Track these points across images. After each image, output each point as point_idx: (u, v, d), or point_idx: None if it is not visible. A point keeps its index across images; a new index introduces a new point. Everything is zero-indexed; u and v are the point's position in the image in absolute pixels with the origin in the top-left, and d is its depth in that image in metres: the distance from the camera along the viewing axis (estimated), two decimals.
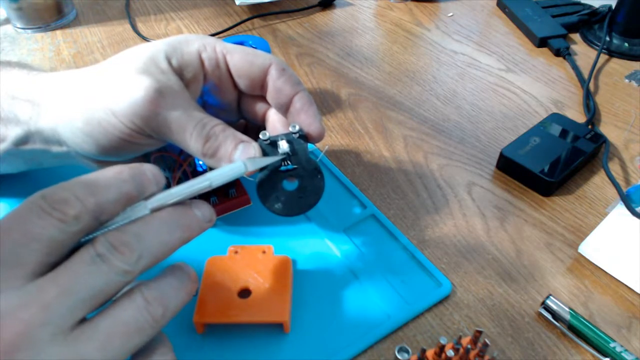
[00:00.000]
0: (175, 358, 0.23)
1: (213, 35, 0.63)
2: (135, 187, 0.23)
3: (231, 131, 0.30)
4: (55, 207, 0.20)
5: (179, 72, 0.31)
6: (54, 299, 0.19)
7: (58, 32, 0.64)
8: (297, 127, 0.31)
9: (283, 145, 0.31)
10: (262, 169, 0.31)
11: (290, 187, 0.31)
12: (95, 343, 0.20)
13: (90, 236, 0.22)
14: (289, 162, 0.31)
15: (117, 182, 0.22)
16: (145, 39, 0.63)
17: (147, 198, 0.23)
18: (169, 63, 0.31)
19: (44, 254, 0.20)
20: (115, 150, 0.30)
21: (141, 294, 0.22)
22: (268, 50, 0.47)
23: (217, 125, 0.30)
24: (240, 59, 0.32)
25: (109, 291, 0.21)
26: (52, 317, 0.19)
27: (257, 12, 0.67)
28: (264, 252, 0.35)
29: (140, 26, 0.65)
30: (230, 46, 0.33)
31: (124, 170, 0.23)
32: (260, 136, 0.31)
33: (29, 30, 0.64)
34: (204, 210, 0.25)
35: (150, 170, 0.24)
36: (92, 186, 0.21)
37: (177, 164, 0.36)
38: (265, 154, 0.31)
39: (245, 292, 0.32)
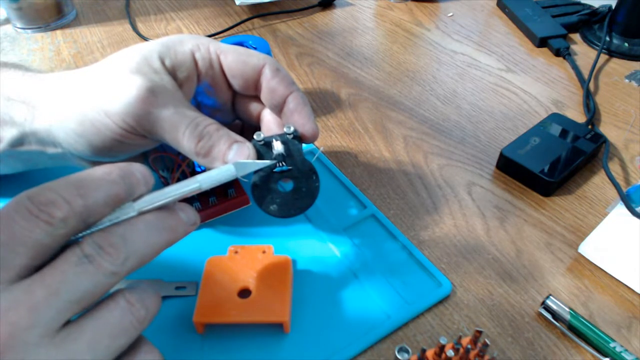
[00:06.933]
0: (161, 355, 0.23)
1: (213, 35, 0.63)
2: (124, 189, 0.22)
3: (225, 131, 0.30)
4: (42, 209, 0.20)
5: (172, 72, 0.31)
6: (42, 300, 0.19)
7: (58, 32, 0.64)
8: (292, 128, 0.31)
9: (277, 146, 0.31)
10: (255, 172, 0.30)
11: (286, 188, 0.31)
12: (83, 344, 0.20)
13: (77, 237, 0.21)
14: (283, 163, 0.31)
15: (106, 183, 0.22)
16: (145, 39, 0.62)
17: (135, 199, 0.23)
18: (162, 63, 0.31)
19: (29, 257, 0.20)
20: (109, 150, 0.30)
21: (124, 297, 0.22)
22: (268, 50, 0.47)
23: (210, 125, 0.29)
24: (234, 59, 0.32)
25: (96, 292, 0.21)
26: (40, 319, 0.19)
27: (257, 12, 0.67)
28: (264, 252, 0.35)
29: (140, 26, 0.65)
30: (224, 46, 0.33)
31: (113, 170, 0.22)
32: (255, 137, 0.31)
33: (29, 30, 0.64)
34: (189, 214, 0.25)
35: (139, 171, 0.23)
36: (80, 187, 0.21)
37: (176, 165, 0.36)
38: (259, 154, 0.30)
39: (245, 292, 0.32)
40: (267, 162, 0.30)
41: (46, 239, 0.20)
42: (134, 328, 0.22)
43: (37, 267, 0.20)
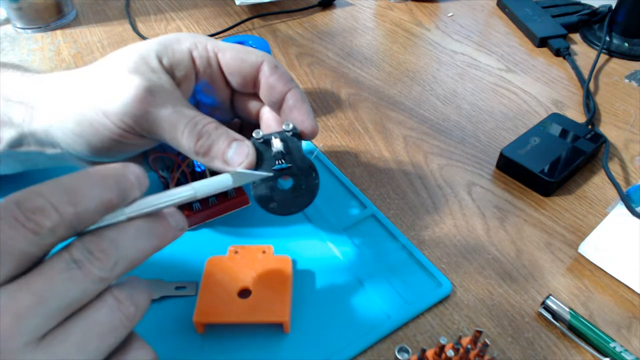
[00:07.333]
0: (154, 352, 0.23)
1: (213, 35, 0.63)
2: (118, 195, 0.21)
3: (224, 129, 0.30)
4: (29, 217, 0.19)
5: (170, 70, 0.31)
6: (28, 308, 0.18)
7: (58, 32, 0.64)
8: (291, 126, 0.31)
9: (276, 144, 0.31)
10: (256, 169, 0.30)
11: (285, 185, 0.31)
12: (71, 346, 0.19)
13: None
14: (283, 161, 0.31)
15: (98, 188, 0.21)
16: (145, 39, 0.62)
17: (128, 203, 0.22)
18: (160, 62, 0.30)
19: (13, 268, 0.19)
20: (107, 150, 0.30)
21: (112, 295, 0.21)
22: (268, 50, 0.47)
23: (209, 124, 0.29)
24: (232, 57, 0.32)
25: (83, 299, 0.20)
26: (26, 327, 0.18)
27: (257, 12, 0.67)
28: (264, 252, 0.35)
29: (140, 26, 0.65)
30: (222, 44, 0.33)
31: (108, 174, 0.21)
32: (254, 135, 0.31)
33: (29, 30, 0.64)
34: (177, 219, 0.24)
35: (134, 173, 0.22)
36: (70, 193, 0.20)
37: (176, 165, 0.36)
38: (258, 152, 0.30)
39: (245, 292, 0.32)
40: (264, 174, 0.29)
41: (32, 249, 0.19)
42: (123, 326, 0.21)
43: (20, 276, 0.19)
